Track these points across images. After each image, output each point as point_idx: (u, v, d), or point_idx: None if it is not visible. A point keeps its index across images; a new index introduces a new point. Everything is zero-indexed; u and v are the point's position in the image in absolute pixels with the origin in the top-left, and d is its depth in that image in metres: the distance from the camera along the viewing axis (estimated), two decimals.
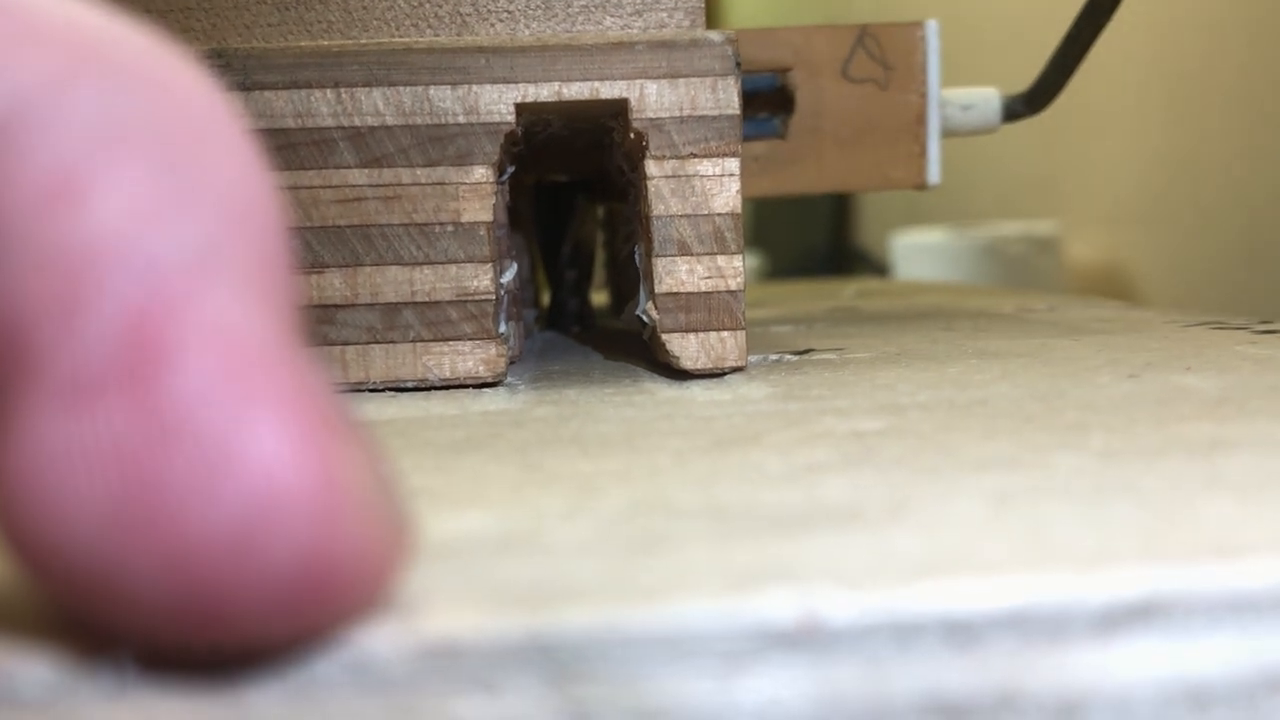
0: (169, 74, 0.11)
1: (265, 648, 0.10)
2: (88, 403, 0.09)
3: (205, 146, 0.10)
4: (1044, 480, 0.14)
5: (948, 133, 0.36)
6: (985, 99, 0.36)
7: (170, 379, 0.09)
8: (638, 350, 0.31)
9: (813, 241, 1.48)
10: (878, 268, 1.28)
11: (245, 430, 0.09)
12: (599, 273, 0.44)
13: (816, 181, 0.36)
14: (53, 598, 0.10)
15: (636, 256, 0.27)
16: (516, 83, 0.25)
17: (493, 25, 0.26)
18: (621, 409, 0.21)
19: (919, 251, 0.95)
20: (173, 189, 0.10)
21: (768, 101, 0.36)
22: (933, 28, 0.35)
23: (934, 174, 0.35)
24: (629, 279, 0.37)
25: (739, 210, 0.25)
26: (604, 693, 0.10)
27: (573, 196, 0.39)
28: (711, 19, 0.26)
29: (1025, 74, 0.38)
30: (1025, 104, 0.37)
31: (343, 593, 0.10)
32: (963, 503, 0.13)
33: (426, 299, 0.25)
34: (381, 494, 0.11)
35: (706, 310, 0.25)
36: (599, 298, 0.47)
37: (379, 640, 0.10)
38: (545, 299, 0.43)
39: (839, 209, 1.50)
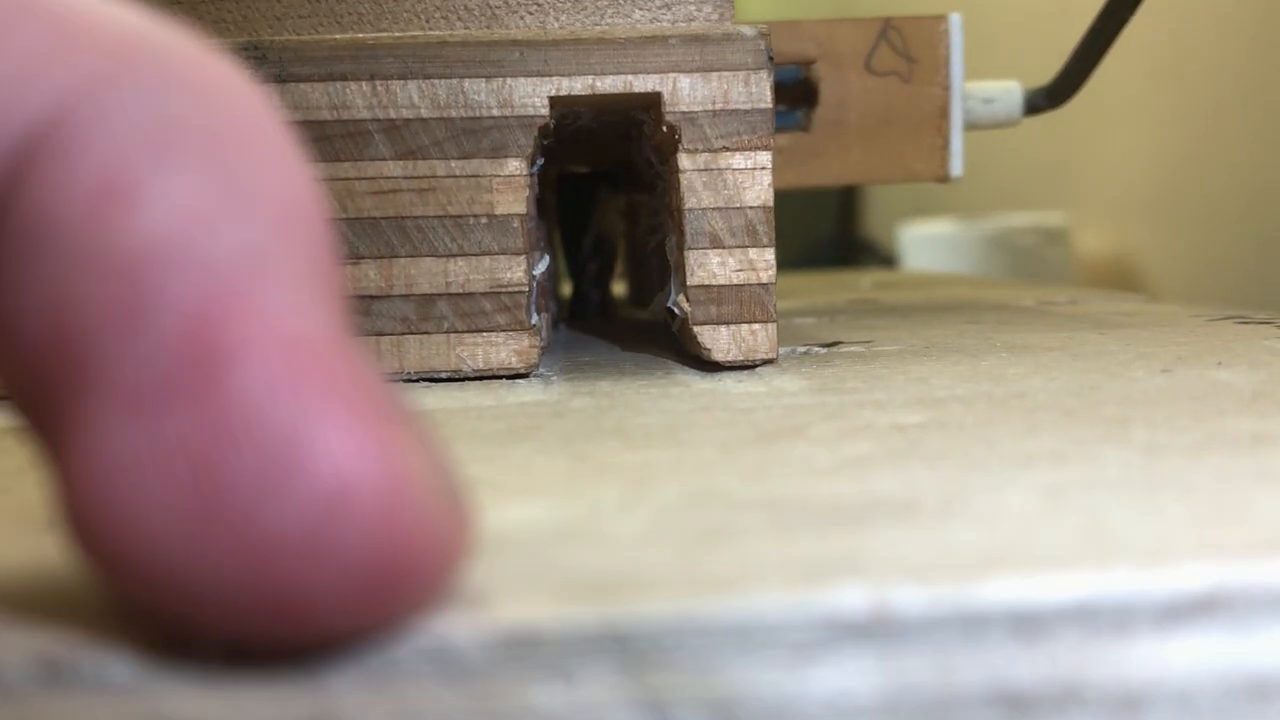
0: (213, 75, 0.11)
1: (342, 639, 0.10)
2: (154, 409, 0.09)
3: (252, 146, 0.10)
4: (1093, 474, 0.15)
5: (969, 125, 0.36)
6: (1007, 92, 0.37)
7: (234, 381, 0.09)
8: (664, 341, 0.31)
9: (820, 232, 1.48)
10: (885, 259, 1.28)
11: (311, 427, 0.09)
12: (619, 264, 0.45)
13: (839, 174, 0.36)
14: (131, 602, 0.10)
15: (668, 249, 0.27)
16: (550, 76, 0.25)
17: (522, 18, 0.26)
18: (659, 400, 0.21)
19: (927, 242, 0.95)
20: (222, 190, 0.10)
21: (791, 94, 0.36)
22: (956, 21, 0.35)
23: (956, 167, 0.36)
24: (649, 271, 0.37)
25: (770, 203, 0.25)
26: (679, 681, 0.10)
27: (595, 188, 0.39)
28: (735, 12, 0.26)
29: (1046, 66, 0.38)
30: (1047, 97, 0.37)
31: (415, 582, 0.10)
32: (1015, 496, 0.14)
33: (460, 290, 0.25)
34: (444, 483, 0.11)
35: (738, 303, 0.25)
36: (618, 288, 0.47)
37: (459, 629, 0.10)
38: (566, 290, 0.43)
39: (846, 199, 1.50)
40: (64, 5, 0.10)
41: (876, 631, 0.11)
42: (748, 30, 0.25)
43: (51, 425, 0.10)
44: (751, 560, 0.12)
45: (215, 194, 0.10)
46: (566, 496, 0.15)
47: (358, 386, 0.10)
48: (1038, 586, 0.11)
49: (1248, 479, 0.14)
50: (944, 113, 0.35)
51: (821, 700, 0.10)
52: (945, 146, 0.35)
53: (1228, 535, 0.12)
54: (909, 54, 0.35)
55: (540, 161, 0.28)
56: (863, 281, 0.54)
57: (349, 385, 0.10)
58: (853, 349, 0.28)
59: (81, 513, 0.10)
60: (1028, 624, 0.11)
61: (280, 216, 0.10)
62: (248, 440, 0.09)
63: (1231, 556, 0.11)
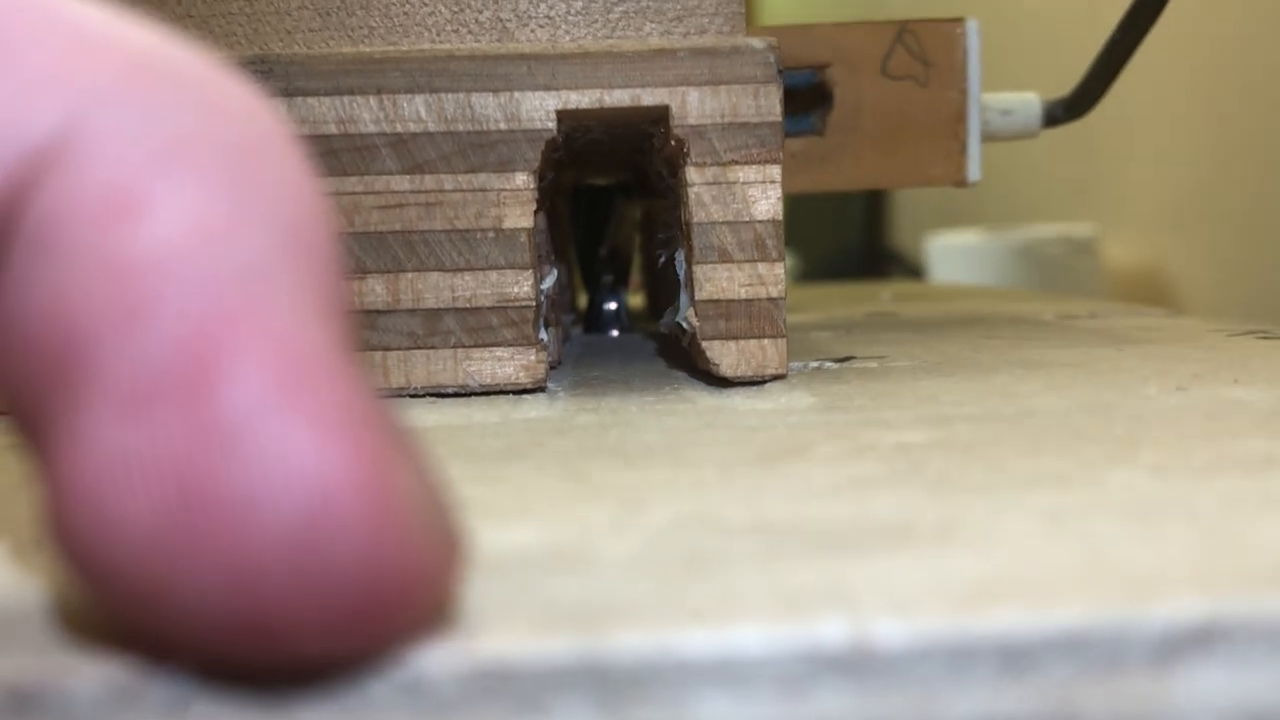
0: (222, 88, 0.11)
1: (323, 664, 0.10)
2: (145, 412, 0.09)
3: (259, 159, 0.11)
4: (1096, 498, 0.14)
5: (987, 137, 0.36)
6: (1025, 104, 0.36)
7: (226, 391, 0.09)
8: (676, 355, 0.31)
9: (847, 242, 1.48)
10: (912, 270, 1.28)
11: (301, 442, 0.09)
12: (635, 275, 0.44)
13: (855, 179, 0.36)
14: (108, 610, 0.10)
15: (677, 263, 0.27)
16: (558, 90, 0.25)
17: (533, 31, 0.26)
18: (663, 418, 0.21)
19: (954, 253, 0.95)
20: (230, 202, 0.10)
21: (806, 98, 0.35)
22: (973, 26, 0.35)
23: (974, 171, 0.35)
24: (666, 282, 0.37)
25: (780, 217, 0.25)
26: (655, 716, 0.10)
27: (611, 199, 0.39)
28: (749, 15, 0.26)
29: (1066, 78, 0.38)
30: (1066, 109, 0.36)
31: (400, 605, 0.10)
32: (1014, 521, 0.13)
33: (467, 305, 0.25)
34: (435, 505, 0.11)
35: (747, 317, 0.25)
36: (635, 300, 0.47)
37: (431, 660, 0.10)
38: (582, 301, 0.43)
39: (873, 209, 1.50)
40: (80, 19, 0.11)
41: (858, 665, 0.10)
42: (757, 43, 0.25)
43: (44, 430, 0.10)
44: (736, 590, 0.11)
45: (221, 208, 0.10)
46: (557, 519, 0.14)
47: (351, 405, 0.10)
48: (1026, 618, 0.10)
49: (1254, 504, 0.14)
50: (961, 117, 0.35)
51: None
52: (963, 151, 0.35)
53: (1228, 564, 0.12)
54: (925, 58, 0.34)
55: (551, 175, 0.28)
56: (883, 294, 0.54)
57: (341, 403, 0.10)
58: (865, 364, 0.27)
59: (65, 512, 0.10)
60: (1016, 657, 0.10)
61: (286, 231, 0.10)
62: (235, 450, 0.09)
63: (1231, 587, 0.11)
